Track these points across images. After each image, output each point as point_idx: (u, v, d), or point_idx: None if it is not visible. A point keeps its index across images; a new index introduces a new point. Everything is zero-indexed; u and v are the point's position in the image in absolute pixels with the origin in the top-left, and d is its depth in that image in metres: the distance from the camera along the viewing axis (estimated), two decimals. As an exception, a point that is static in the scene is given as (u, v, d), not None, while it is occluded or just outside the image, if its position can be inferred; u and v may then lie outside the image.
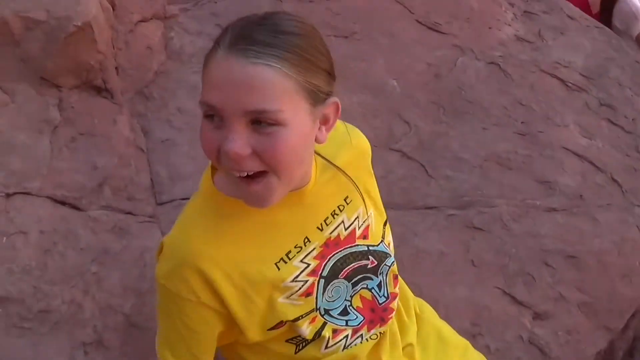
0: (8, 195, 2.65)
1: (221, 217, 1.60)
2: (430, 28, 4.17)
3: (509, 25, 4.42)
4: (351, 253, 1.74)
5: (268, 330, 1.64)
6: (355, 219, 1.77)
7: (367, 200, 1.81)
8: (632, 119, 4.03)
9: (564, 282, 3.04)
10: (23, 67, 2.93)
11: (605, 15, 5.69)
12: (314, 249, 1.67)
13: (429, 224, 3.09)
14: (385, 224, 1.90)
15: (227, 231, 1.59)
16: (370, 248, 1.79)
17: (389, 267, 1.82)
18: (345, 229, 1.74)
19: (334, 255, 1.71)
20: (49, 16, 2.90)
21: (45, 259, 2.57)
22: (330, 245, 1.70)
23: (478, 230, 3.13)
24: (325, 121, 1.55)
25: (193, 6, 3.95)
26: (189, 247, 1.55)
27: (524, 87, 3.94)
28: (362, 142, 1.88)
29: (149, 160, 3.05)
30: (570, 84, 4.10)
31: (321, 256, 1.68)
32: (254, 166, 1.43)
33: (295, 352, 1.72)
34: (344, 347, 1.76)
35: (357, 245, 1.76)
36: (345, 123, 1.85)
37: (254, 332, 1.63)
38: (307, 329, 1.67)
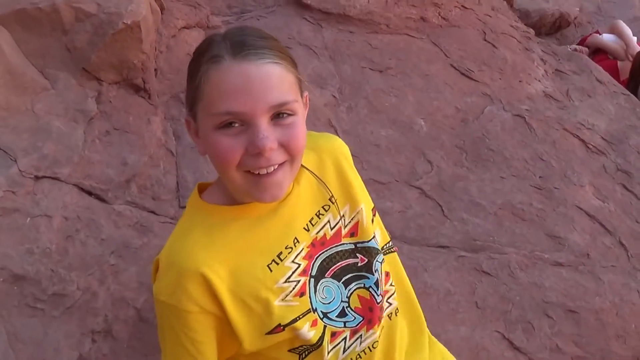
0: (37, 178, 2.71)
1: (211, 226, 1.66)
2: (463, 74, 4.25)
3: (539, 81, 4.50)
4: (337, 252, 1.78)
5: (266, 334, 1.65)
6: (342, 217, 1.80)
7: (355, 198, 1.85)
8: (646, 188, 4.09)
9: (561, 334, 3.09)
10: (67, 56, 3.01)
11: (633, 83, 5.76)
12: (302, 249, 1.71)
13: (440, 262, 3.15)
14: (372, 220, 1.90)
15: (218, 238, 1.65)
16: (358, 245, 1.82)
17: (380, 263, 1.84)
18: (332, 228, 1.78)
19: (320, 254, 1.75)
20: (99, 10, 2.99)
21: (66, 245, 2.63)
22: (316, 244, 1.75)
23: (486, 274, 3.18)
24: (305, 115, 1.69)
25: (236, 20, 4.04)
26: (186, 254, 1.60)
27: (546, 143, 4.01)
28: (336, 146, 1.92)
29: (177, 163, 3.11)
30: (591, 146, 4.17)
31: (309, 256, 1.73)
32: (279, 158, 1.54)
33: None
34: (344, 350, 1.77)
35: (343, 243, 1.79)
36: (318, 133, 1.95)
37: (251, 339, 1.65)
38: (309, 332, 1.69)
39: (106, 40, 2.98)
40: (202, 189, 1.77)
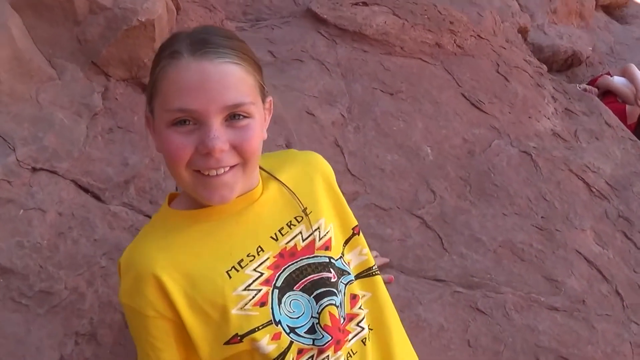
0: (34, 170, 2.65)
1: (170, 229, 1.66)
2: (473, 104, 4.21)
3: (548, 118, 4.47)
4: (309, 264, 1.73)
5: (224, 344, 1.61)
6: (316, 229, 1.77)
7: (326, 213, 1.82)
8: (646, 238, 4.07)
9: (552, 381, 3.05)
10: (77, 48, 2.95)
11: (640, 131, 5.75)
12: (267, 258, 1.68)
13: (435, 295, 3.10)
14: (346, 242, 1.87)
15: (176, 241, 1.63)
16: (332, 260, 1.78)
17: (345, 285, 1.80)
18: (303, 240, 1.74)
19: (289, 265, 1.71)
20: (115, 4, 2.93)
21: (58, 241, 2.57)
22: (285, 255, 1.71)
23: (480, 312, 3.14)
24: (264, 118, 1.67)
25: (250, 27, 4.01)
26: (142, 257, 1.60)
27: (550, 183, 3.97)
28: (314, 161, 1.91)
29: (179, 168, 3.06)
30: (594, 190, 4.14)
31: (275, 266, 1.69)
32: (230, 160, 1.54)
33: None
34: None
35: (317, 256, 1.75)
36: (302, 151, 1.96)
37: (209, 349, 1.61)
38: (268, 346, 1.63)
39: (118, 36, 2.93)
40: (172, 198, 1.77)
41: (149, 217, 2.83)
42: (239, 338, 1.60)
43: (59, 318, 2.46)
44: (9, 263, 2.46)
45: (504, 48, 5.05)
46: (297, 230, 1.75)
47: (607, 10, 9.36)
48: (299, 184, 1.81)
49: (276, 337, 1.64)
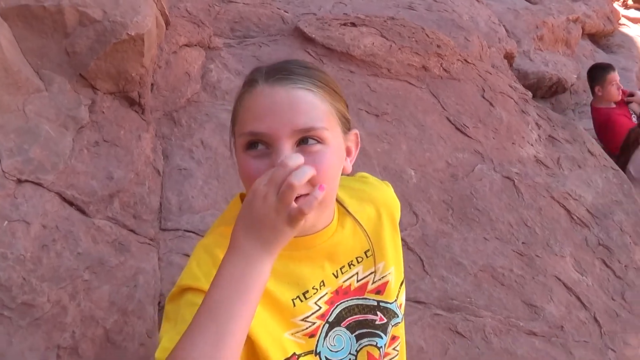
0: (20, 181, 2.69)
1: None
2: (458, 128, 4.30)
3: (532, 145, 4.57)
4: (357, 305, 1.78)
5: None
6: (371, 273, 1.80)
7: (389, 257, 1.84)
8: (625, 266, 4.16)
9: (529, 406, 3.13)
10: (65, 60, 2.99)
11: (623, 159, 5.85)
12: (326, 293, 1.71)
13: (415, 317, 3.16)
14: (401, 284, 1.91)
15: None
16: (381, 304, 1.81)
17: (392, 326, 1.85)
18: (358, 281, 1.78)
19: (341, 302, 1.75)
20: (105, 17, 2.98)
21: (41, 254, 2.61)
22: (340, 292, 1.74)
23: (459, 335, 3.20)
24: (349, 152, 1.64)
25: (238, 44, 4.07)
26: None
27: (532, 209, 4.06)
28: (389, 200, 1.91)
29: (163, 184, 3.11)
30: (575, 217, 4.23)
31: (330, 302, 1.73)
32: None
33: None
34: None
35: (366, 298, 1.79)
36: (376, 179, 1.94)
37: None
38: None
39: (107, 49, 2.98)
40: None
41: (133, 232, 2.88)
42: (296, 357, 1.66)
43: (41, 331, 2.49)
44: (-8, 274, 2.49)
45: (490, 73, 5.16)
46: (355, 270, 1.77)
47: (593, 38, 9.53)
48: (370, 223, 1.81)
49: None
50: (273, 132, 1.47)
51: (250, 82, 1.54)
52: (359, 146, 1.69)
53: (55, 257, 2.63)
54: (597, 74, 6.79)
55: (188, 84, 3.55)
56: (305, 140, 1.49)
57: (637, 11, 12.02)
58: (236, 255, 1.36)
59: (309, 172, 1.34)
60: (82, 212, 2.79)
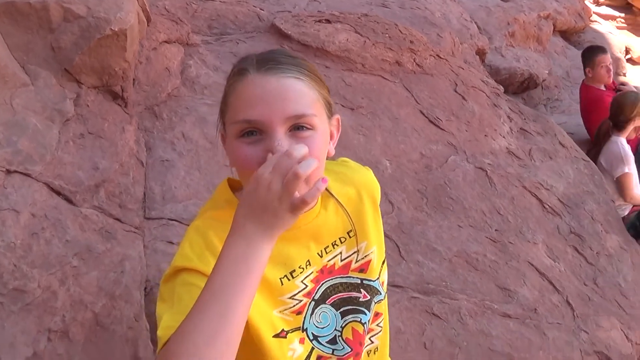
0: (9, 172, 2.80)
1: None
2: (431, 121, 4.47)
3: (504, 137, 4.74)
4: (341, 283, 1.88)
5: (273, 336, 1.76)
6: (354, 252, 1.90)
7: (371, 236, 1.95)
8: (597, 253, 4.34)
9: (505, 383, 3.29)
10: (51, 55, 3.11)
11: (595, 150, 6.05)
12: (311, 272, 1.82)
13: (393, 300, 3.30)
14: (383, 263, 2.02)
15: None
16: (365, 282, 1.92)
17: (375, 303, 1.96)
18: (342, 260, 1.88)
19: (326, 281, 1.86)
20: (89, 13, 3.10)
21: (31, 241, 2.72)
22: (324, 271, 1.85)
23: (436, 317, 3.36)
24: (331, 136, 1.75)
25: (215, 40, 4.21)
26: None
27: (504, 198, 4.23)
28: (369, 183, 2.01)
29: (147, 175, 3.24)
30: (547, 206, 4.41)
31: (316, 280, 1.84)
32: None
33: None
34: None
35: (350, 276, 1.90)
36: (356, 164, 2.05)
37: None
38: (300, 347, 1.81)
39: (91, 44, 3.10)
40: (232, 185, 1.83)
41: (119, 220, 3.01)
42: (285, 333, 1.77)
43: (32, 315, 2.60)
44: (-17, 261, 2.61)
45: (462, 68, 5.33)
46: (338, 250, 1.88)
47: (565, 35, 9.75)
48: (351, 204, 1.92)
49: (302, 341, 1.82)
50: (267, 120, 1.56)
51: (241, 72, 1.63)
52: (340, 130, 1.80)
53: (45, 245, 2.74)
54: (588, 55, 7.08)
55: (168, 79, 3.68)
56: (297, 126, 1.59)
57: (608, 8, 12.26)
58: (239, 239, 1.44)
59: (314, 163, 1.42)
60: (70, 201, 2.91)
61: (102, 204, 3.00)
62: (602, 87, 6.95)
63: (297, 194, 1.41)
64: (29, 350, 2.55)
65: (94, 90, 3.22)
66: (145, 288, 2.94)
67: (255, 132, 1.58)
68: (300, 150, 1.43)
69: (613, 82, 7.14)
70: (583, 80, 7.18)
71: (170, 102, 3.60)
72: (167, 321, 1.51)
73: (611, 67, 7.00)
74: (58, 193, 2.90)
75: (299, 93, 1.61)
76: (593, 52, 7.05)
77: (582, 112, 6.94)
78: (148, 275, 2.96)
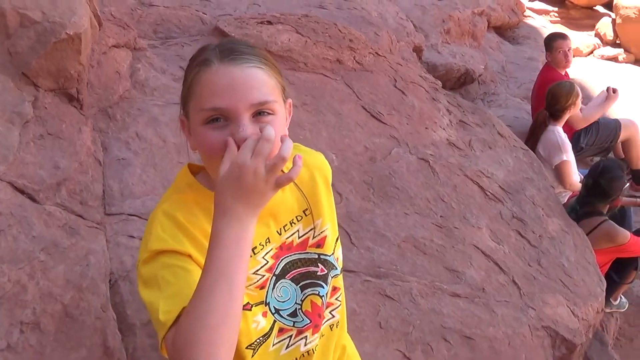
0: (-28, 173, 3.00)
1: (202, 209, 1.89)
2: (373, 116, 4.75)
3: (444, 129, 5.04)
4: (300, 259, 2.09)
5: None
6: (311, 229, 2.12)
7: (325, 214, 2.16)
8: (539, 236, 4.66)
9: (458, 357, 3.56)
10: (8, 60, 3.28)
11: (532, 141, 6.39)
12: (271, 249, 2.02)
13: (347, 284, 3.49)
14: (337, 240, 2.23)
15: (201, 217, 1.88)
16: (321, 256, 2.14)
17: (332, 277, 2.18)
18: (299, 237, 2.09)
19: (285, 257, 2.07)
20: (44, 18, 3.28)
21: (-1, 238, 2.92)
22: (283, 248, 2.06)
23: (389, 298, 3.62)
24: (286, 118, 1.95)
25: (161, 44, 4.43)
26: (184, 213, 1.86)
27: (447, 186, 4.53)
28: (321, 165, 2.22)
29: (104, 173, 3.44)
30: (489, 193, 4.72)
31: (276, 256, 2.04)
32: None
33: (252, 356, 2.02)
34: (287, 346, 2.10)
35: (308, 252, 2.11)
36: (308, 148, 2.25)
37: None
38: (263, 320, 2.01)
39: (47, 48, 3.28)
40: (193, 170, 2.01)
41: (81, 217, 3.21)
42: (250, 306, 1.96)
43: (4, 309, 2.77)
44: (-47, 259, 2.79)
45: (401, 65, 5.63)
46: (296, 228, 2.08)
47: (499, 31, 10.15)
48: (305, 184, 2.12)
49: (264, 314, 2.02)
50: (233, 107, 1.73)
51: (204, 62, 1.80)
52: (292, 114, 2.00)
53: (13, 241, 2.91)
54: (548, 41, 7.56)
55: (119, 82, 3.89)
56: (259, 112, 1.75)
57: (541, 2, 12.73)
58: (232, 221, 1.61)
59: (291, 143, 1.65)
60: (33, 199, 3.09)
61: (64, 202, 3.19)
62: (562, 72, 7.37)
63: (280, 173, 1.61)
64: (3, 342, 2.71)
65: (51, 93, 3.41)
66: (110, 280, 3.12)
67: (220, 118, 1.75)
68: (271, 132, 1.63)
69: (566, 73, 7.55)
70: (545, 63, 7.65)
71: (122, 104, 3.81)
72: (165, 306, 1.65)
73: (570, 53, 7.44)
74: (22, 192, 3.08)
75: (262, 81, 1.77)
76: (553, 38, 7.55)
77: (537, 92, 7.30)
78: (112, 268, 3.15)
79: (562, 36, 7.58)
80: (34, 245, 2.96)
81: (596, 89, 8.82)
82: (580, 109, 7.02)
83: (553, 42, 7.41)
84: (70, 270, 3.00)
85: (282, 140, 1.65)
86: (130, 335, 3.03)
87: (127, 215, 3.35)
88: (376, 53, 5.42)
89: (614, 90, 7.18)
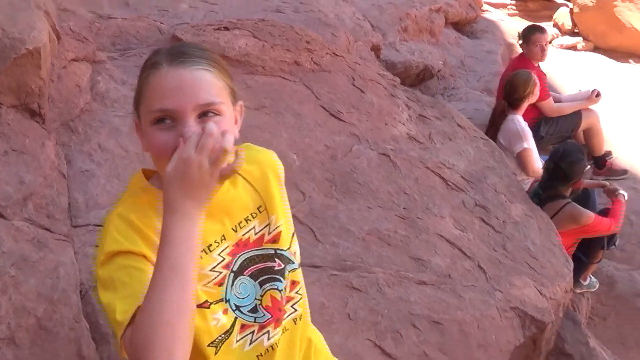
0: (-62, 193, 3.07)
1: (155, 210, 1.90)
2: (332, 115, 4.86)
3: (404, 124, 5.16)
4: (257, 255, 2.13)
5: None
6: (266, 225, 2.15)
7: (278, 210, 2.19)
8: (503, 222, 4.77)
9: (428, 342, 3.66)
10: (-31, 78, 3.34)
11: (493, 130, 6.52)
12: (227, 246, 2.06)
13: (314, 279, 3.64)
14: (293, 235, 2.27)
15: (158, 221, 1.87)
16: (278, 251, 2.18)
17: (289, 271, 2.21)
18: (255, 234, 2.13)
19: (242, 254, 2.11)
20: (4, 35, 3.34)
21: (-32, 255, 2.99)
22: (240, 245, 2.10)
23: (356, 290, 3.72)
24: (235, 120, 2.00)
25: (120, 56, 4.51)
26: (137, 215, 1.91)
27: (409, 179, 4.64)
28: (272, 162, 2.26)
29: (69, 186, 3.52)
30: (450, 183, 4.83)
31: (232, 253, 2.08)
32: None
33: (215, 354, 2.06)
34: (251, 342, 2.13)
35: (264, 248, 2.15)
36: (259, 147, 2.29)
37: None
38: (223, 317, 2.05)
39: (7, 65, 3.34)
40: (147, 174, 2.03)
41: (49, 230, 3.28)
42: (209, 304, 2.01)
43: (-22, 326, 2.85)
44: None
45: (358, 64, 5.74)
46: (251, 225, 2.12)
47: (457, 26, 10.27)
48: (257, 181, 2.16)
49: (225, 312, 2.06)
50: (180, 108, 1.80)
51: (154, 65, 1.86)
52: (243, 115, 2.05)
53: (-18, 257, 3.01)
54: (526, 33, 7.59)
55: (80, 95, 3.96)
56: (205, 113, 1.81)
57: (498, -4, 12.88)
58: (181, 218, 1.67)
59: (232, 137, 1.72)
60: (1, 215, 3.15)
61: (31, 216, 3.26)
62: (536, 65, 7.44)
63: (224, 165, 1.68)
64: (-22, 358, 2.76)
65: (13, 109, 3.48)
66: (81, 291, 3.19)
67: (167, 119, 1.81)
68: (212, 126, 1.70)
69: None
70: (519, 54, 7.77)
71: (83, 117, 3.88)
72: (122, 306, 1.70)
73: (546, 47, 7.54)
74: (-11, 208, 3.16)
75: (209, 83, 1.83)
76: (531, 31, 7.57)
77: (505, 77, 7.31)
78: (82, 279, 3.22)
79: (541, 30, 7.63)
80: (4, 260, 3.02)
81: (557, 78, 8.96)
82: (555, 99, 7.20)
83: (531, 35, 7.45)
84: (42, 284, 3.07)
85: (223, 135, 1.71)
86: (104, 343, 3.10)
87: (94, 226, 3.42)
88: (334, 53, 5.53)
89: (598, 95, 7.36)
